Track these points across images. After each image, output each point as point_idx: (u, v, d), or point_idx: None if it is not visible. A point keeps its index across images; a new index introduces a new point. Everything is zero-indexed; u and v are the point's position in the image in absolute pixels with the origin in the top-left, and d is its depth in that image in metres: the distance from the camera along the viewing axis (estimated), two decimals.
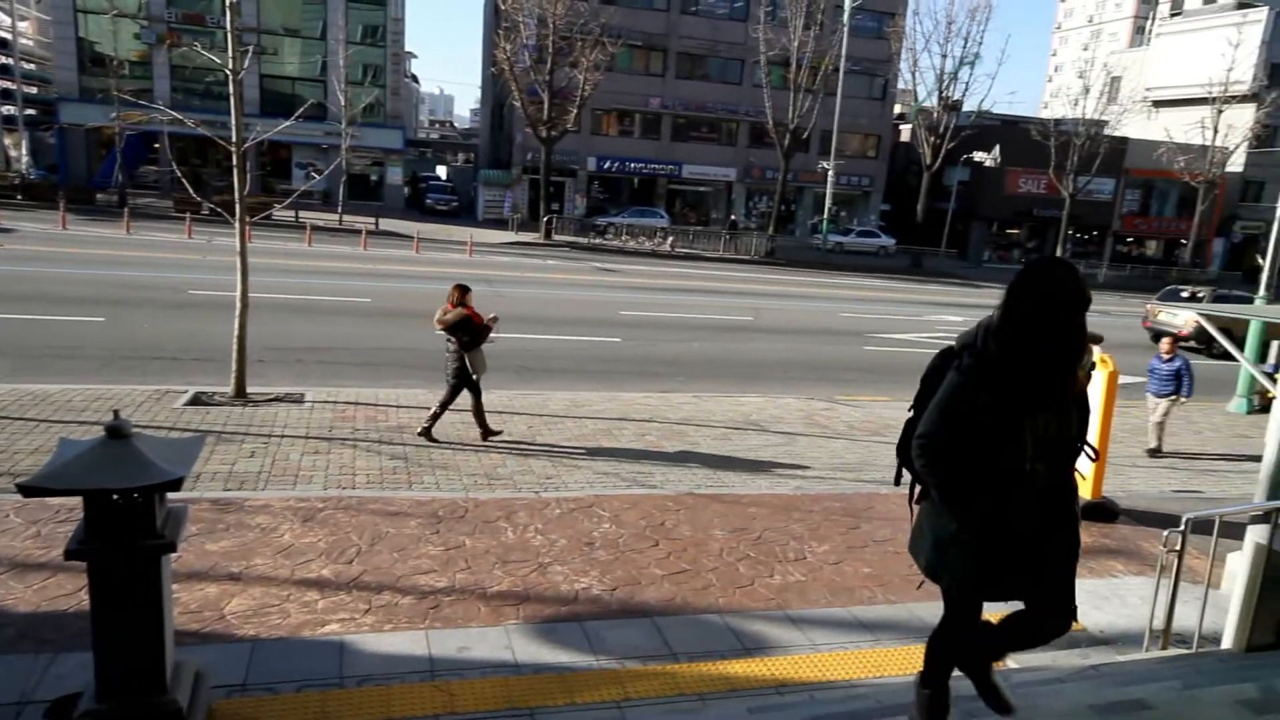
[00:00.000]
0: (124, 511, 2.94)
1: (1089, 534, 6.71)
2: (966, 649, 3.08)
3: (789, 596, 5.33)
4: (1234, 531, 5.14)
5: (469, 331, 8.06)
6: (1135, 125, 45.32)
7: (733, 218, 42.55)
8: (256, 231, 21.29)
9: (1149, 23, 68.10)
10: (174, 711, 3.11)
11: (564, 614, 4.85)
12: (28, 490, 2.82)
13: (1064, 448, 2.79)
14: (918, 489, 3.06)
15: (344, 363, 11.40)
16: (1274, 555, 4.68)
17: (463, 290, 8.23)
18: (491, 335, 8.28)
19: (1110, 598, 5.63)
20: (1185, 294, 22.73)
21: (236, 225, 9.11)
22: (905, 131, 47.32)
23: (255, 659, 4.12)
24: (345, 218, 32.04)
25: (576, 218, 39.11)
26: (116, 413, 3.12)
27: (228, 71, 8.71)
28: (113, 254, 19.41)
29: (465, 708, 3.86)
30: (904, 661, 4.58)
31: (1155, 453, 10.20)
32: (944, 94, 39.41)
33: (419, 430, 8.21)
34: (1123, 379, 7.59)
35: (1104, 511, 7.33)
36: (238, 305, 9.00)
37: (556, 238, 34.47)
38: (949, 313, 23.20)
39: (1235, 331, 14.43)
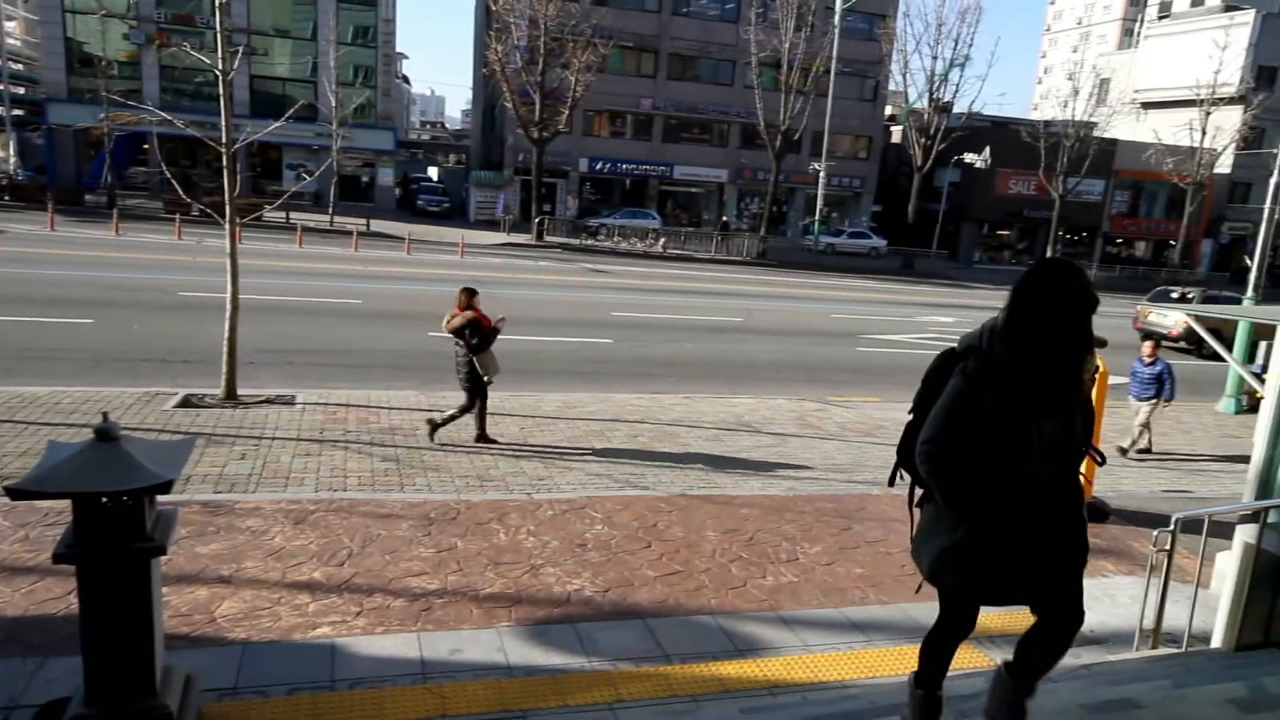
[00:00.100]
0: (113, 515, 2.92)
1: None
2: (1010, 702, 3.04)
3: (781, 597, 5.33)
4: (1223, 531, 5.17)
5: (477, 334, 8.06)
6: (1124, 127, 45.60)
7: (724, 219, 42.60)
8: (247, 233, 21.25)
9: (1137, 25, 68.46)
10: (164, 715, 3.09)
11: (556, 616, 4.85)
12: (16, 493, 2.80)
13: (1069, 451, 2.77)
14: (919, 492, 3.04)
15: (335, 364, 11.36)
16: (1263, 554, 4.71)
17: (470, 293, 8.23)
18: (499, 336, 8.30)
19: (1101, 597, 5.65)
20: (1175, 295, 22.85)
21: (227, 226, 9.07)
22: (896, 133, 47.45)
23: (246, 662, 4.10)
24: (336, 219, 31.95)
25: (568, 219, 39.10)
26: (105, 415, 3.10)
27: (217, 72, 8.68)
28: (102, 255, 19.31)
29: (457, 710, 3.85)
30: (896, 662, 4.59)
31: (1124, 452, 10.24)
32: (934, 95, 39.60)
33: (430, 422, 8.20)
34: (1113, 379, 7.63)
35: (1095, 511, 7.36)
36: (228, 307, 8.96)
37: (548, 239, 34.45)
38: (940, 313, 23.28)
39: (1224, 332, 14.55)
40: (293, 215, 29.69)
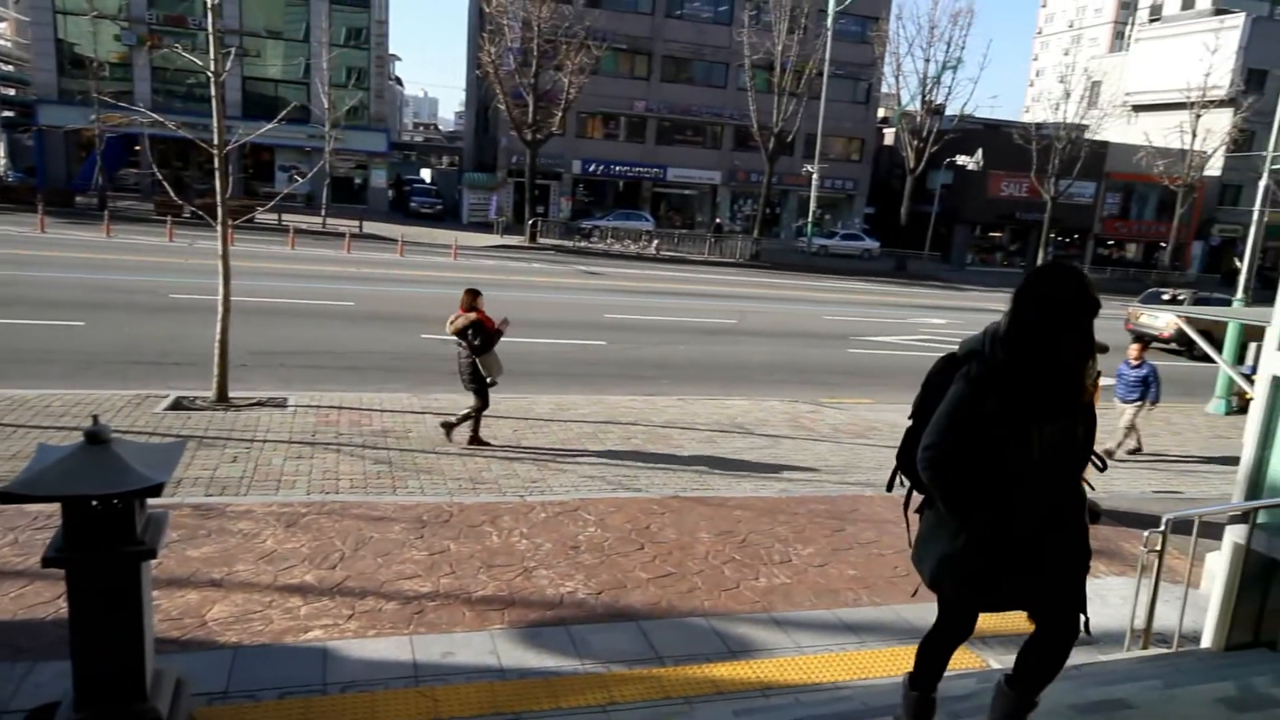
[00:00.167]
0: (103, 518, 2.90)
1: None
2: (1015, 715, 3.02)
3: (774, 599, 5.34)
4: (1213, 531, 5.20)
5: (479, 335, 8.08)
6: (1115, 129, 45.81)
7: (717, 221, 42.64)
8: (239, 235, 21.18)
9: (1128, 28, 68.84)
10: (154, 719, 3.08)
11: (549, 618, 4.84)
12: (5, 497, 2.79)
13: (1071, 455, 2.74)
14: (918, 498, 3.02)
15: (327, 366, 11.33)
16: (1252, 555, 4.73)
17: (473, 294, 8.26)
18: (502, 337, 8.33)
19: (1092, 598, 5.61)
20: (1166, 297, 22.94)
21: (219, 228, 9.04)
22: (889, 135, 47.60)
23: (237, 666, 4.09)
24: (329, 221, 31.86)
25: (561, 221, 39.08)
26: (95, 418, 3.08)
27: (209, 74, 8.66)
28: (92, 257, 19.22)
29: (450, 713, 3.84)
30: (889, 663, 4.60)
31: (1110, 454, 10.26)
32: (927, 98, 39.70)
33: (444, 425, 8.29)
34: (1104, 381, 7.65)
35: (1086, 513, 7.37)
36: (220, 309, 8.93)
37: (541, 241, 34.43)
38: (932, 315, 23.34)
39: (1215, 334, 14.65)
40: (285, 217, 29.61)
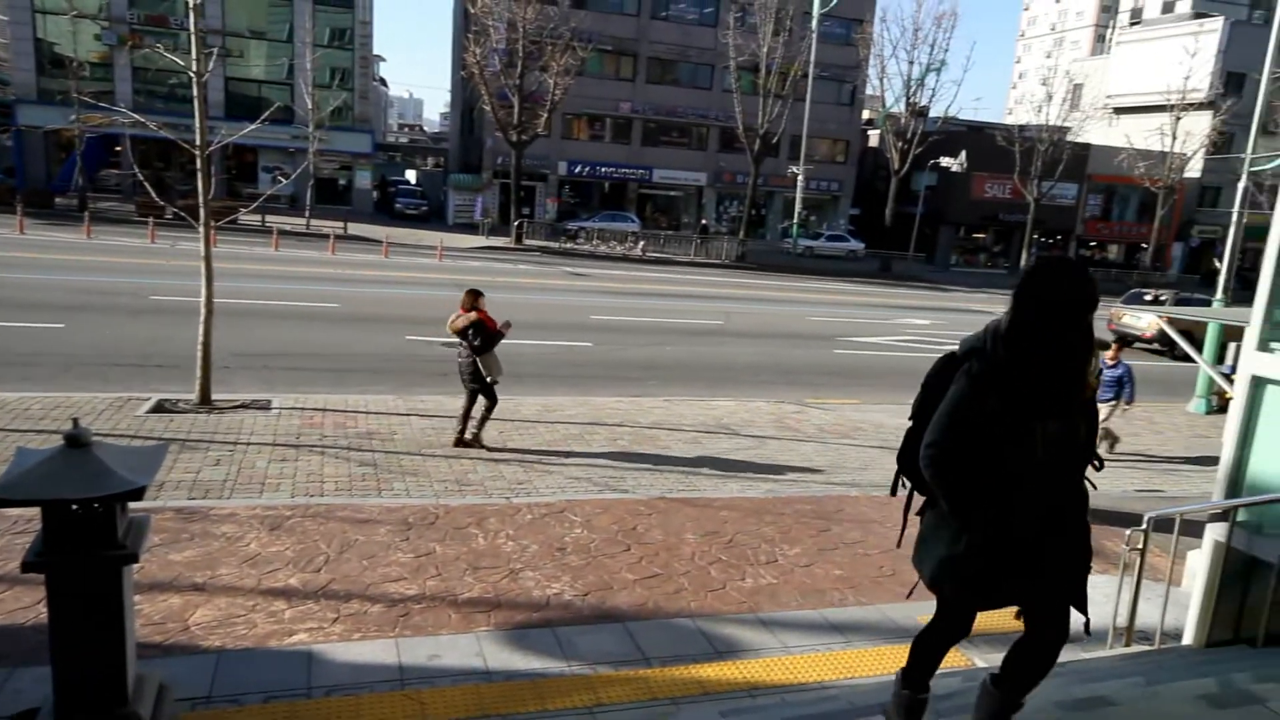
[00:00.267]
0: (84, 522, 2.87)
1: None
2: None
3: (760, 599, 5.35)
4: (1194, 530, 5.25)
5: (480, 335, 8.08)
6: (1097, 132, 46.20)
7: (703, 222, 42.69)
8: (222, 236, 21.02)
9: (1109, 31, 69.50)
10: None
11: (535, 620, 4.83)
12: None
13: (1072, 453, 2.72)
14: (918, 500, 3.00)
15: (312, 368, 11.26)
16: (1232, 552, 4.79)
17: (475, 295, 8.28)
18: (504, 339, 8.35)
19: None
20: (1148, 297, 23.15)
21: (201, 229, 8.97)
22: (874, 137, 47.81)
23: (220, 670, 4.06)
24: (313, 222, 31.67)
25: (547, 222, 39.01)
26: (76, 421, 3.05)
27: (191, 74, 8.59)
28: (72, 259, 19.02)
29: (436, 716, 3.83)
30: (875, 662, 4.62)
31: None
32: (911, 100, 39.87)
33: (468, 442, 8.25)
34: None
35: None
36: (202, 311, 8.86)
37: (527, 242, 34.36)
38: (917, 316, 23.47)
39: (1196, 334, 14.80)
40: (269, 218, 29.41)
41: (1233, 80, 44.07)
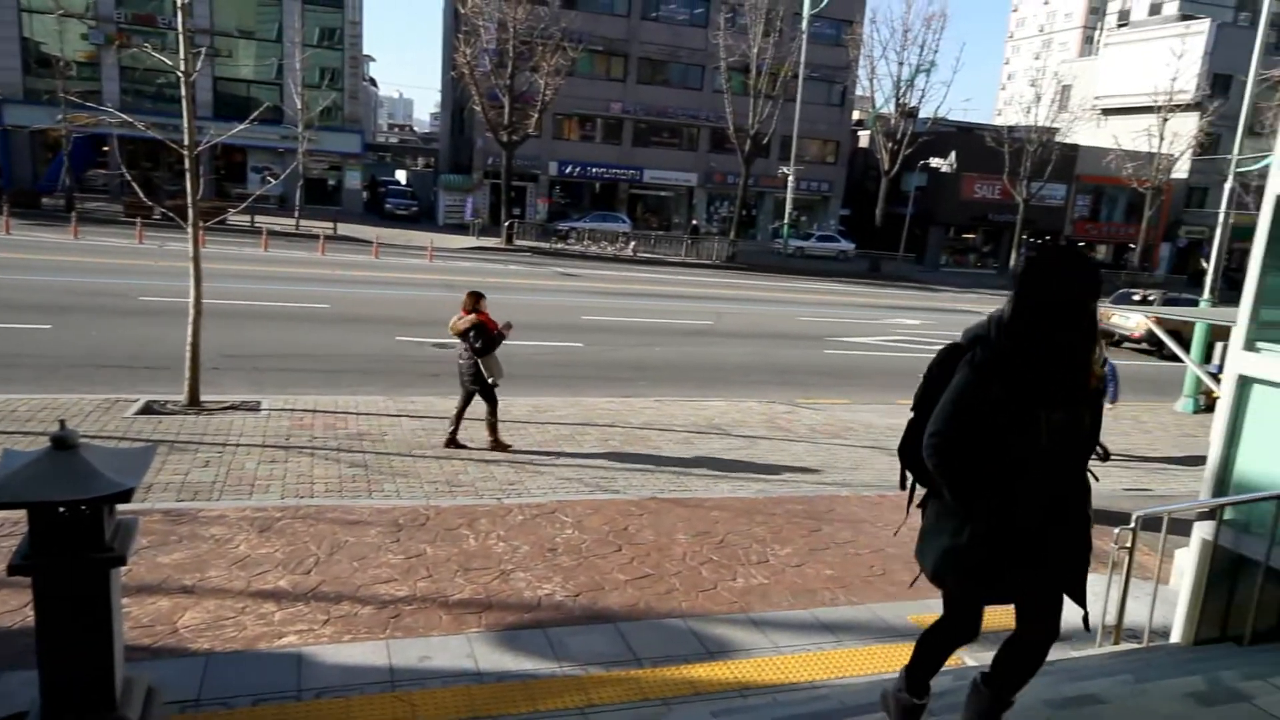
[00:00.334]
0: (71, 524, 2.85)
1: None
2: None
3: (751, 599, 5.35)
4: (1182, 528, 5.29)
5: (481, 337, 8.09)
6: (1085, 133, 46.47)
7: (694, 222, 42.73)
8: (211, 237, 20.93)
9: (1098, 33, 69.91)
10: None
11: (527, 621, 4.82)
12: None
13: (1076, 443, 2.70)
14: (920, 493, 2.98)
15: (302, 369, 11.22)
16: (1219, 551, 4.82)
17: (476, 297, 8.30)
18: (505, 340, 8.36)
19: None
20: (1137, 297, 23.28)
21: (189, 230, 8.93)
22: (864, 137, 47.92)
23: (209, 673, 4.04)
24: (302, 222, 31.55)
25: (538, 222, 38.96)
26: (63, 422, 3.03)
27: (179, 73, 8.54)
28: (59, 259, 18.89)
29: (427, 717, 3.82)
30: (866, 662, 4.63)
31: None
32: (901, 101, 40.01)
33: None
34: None
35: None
36: (191, 311, 8.82)
37: (518, 242, 34.32)
38: (907, 316, 23.54)
39: (1184, 333, 14.91)
40: (258, 219, 29.27)
41: (1219, 82, 44.40)
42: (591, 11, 40.95)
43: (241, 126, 10.29)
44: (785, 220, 40.81)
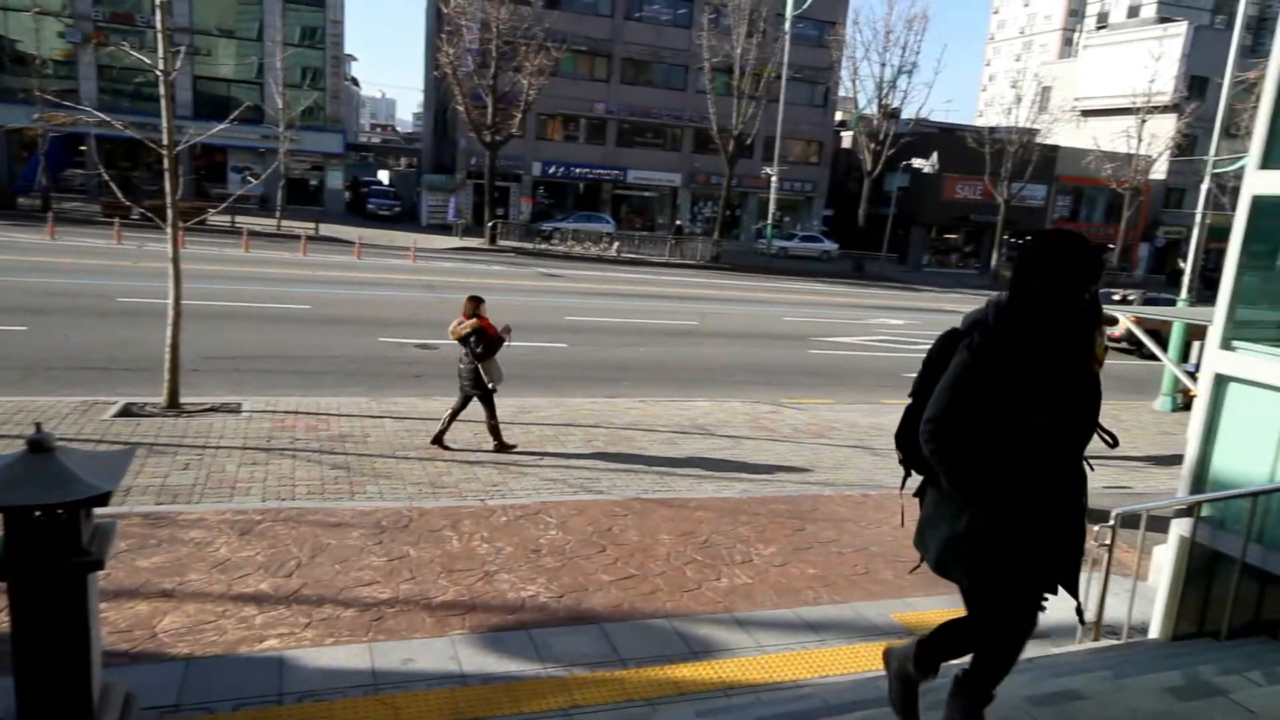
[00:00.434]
0: (47, 528, 2.82)
1: None
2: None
3: (736, 599, 5.36)
4: (1160, 525, 5.35)
5: (482, 341, 8.09)
6: (1065, 134, 46.88)
7: (678, 223, 42.77)
8: (190, 237, 20.72)
9: (1077, 35, 70.57)
10: None
11: (511, 623, 4.81)
12: None
13: (1075, 431, 2.66)
14: (917, 481, 2.93)
15: (283, 371, 11.13)
16: (1197, 547, 4.87)
17: (476, 301, 8.31)
18: (506, 343, 8.36)
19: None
20: (1117, 297, 23.51)
21: (169, 230, 8.84)
22: (847, 138, 48.14)
23: (189, 678, 4.00)
24: (284, 223, 31.32)
25: (521, 223, 38.87)
26: (39, 425, 2.99)
27: (158, 72, 8.47)
28: (35, 260, 18.65)
29: None
30: (849, 661, 4.65)
31: None
32: (883, 102, 40.23)
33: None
34: None
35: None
36: (170, 313, 8.73)
37: (501, 243, 34.23)
38: (890, 316, 23.67)
39: (1163, 332, 15.05)
40: (238, 219, 29.03)
41: (1196, 84, 44.94)
42: (575, 11, 40.92)
43: (221, 126, 10.21)
44: (769, 221, 40.93)
